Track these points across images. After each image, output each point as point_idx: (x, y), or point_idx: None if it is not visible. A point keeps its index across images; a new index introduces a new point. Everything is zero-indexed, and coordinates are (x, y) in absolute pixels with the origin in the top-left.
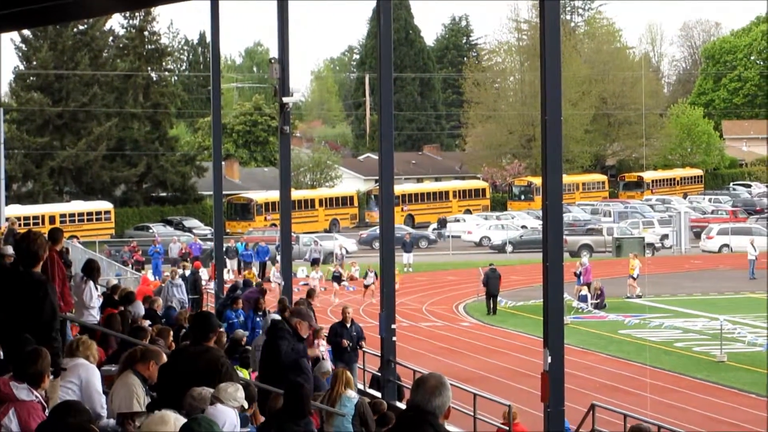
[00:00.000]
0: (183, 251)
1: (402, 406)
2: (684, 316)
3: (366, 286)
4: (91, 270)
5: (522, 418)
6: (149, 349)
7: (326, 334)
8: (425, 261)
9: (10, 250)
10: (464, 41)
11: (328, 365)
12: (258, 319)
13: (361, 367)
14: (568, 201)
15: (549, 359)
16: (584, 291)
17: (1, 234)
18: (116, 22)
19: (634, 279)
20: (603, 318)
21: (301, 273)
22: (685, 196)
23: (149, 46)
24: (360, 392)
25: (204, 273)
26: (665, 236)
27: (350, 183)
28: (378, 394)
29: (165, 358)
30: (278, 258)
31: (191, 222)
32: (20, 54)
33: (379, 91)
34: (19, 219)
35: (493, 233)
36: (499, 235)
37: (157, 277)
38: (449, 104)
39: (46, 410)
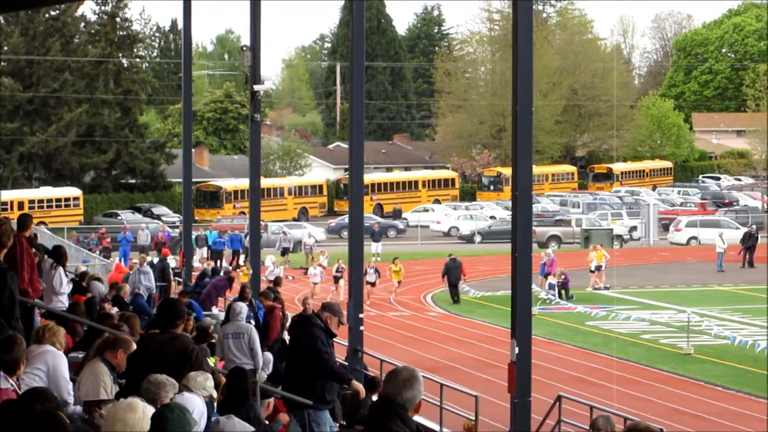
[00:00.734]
0: (158, 239)
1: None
2: (651, 308)
3: (370, 284)
4: (59, 256)
5: (488, 408)
6: (119, 337)
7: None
8: (393, 250)
9: None
10: (436, 31)
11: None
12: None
13: None
14: (538, 192)
15: (516, 350)
16: (552, 279)
17: None
18: (88, 8)
19: (592, 272)
20: (570, 309)
21: (268, 261)
22: (654, 188)
23: (121, 33)
24: None
25: (172, 260)
26: (634, 228)
27: (320, 172)
28: None
29: (134, 347)
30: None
31: (160, 209)
32: None
33: (351, 79)
34: None
35: (462, 223)
36: (468, 225)
37: (124, 265)
38: (420, 94)
39: None
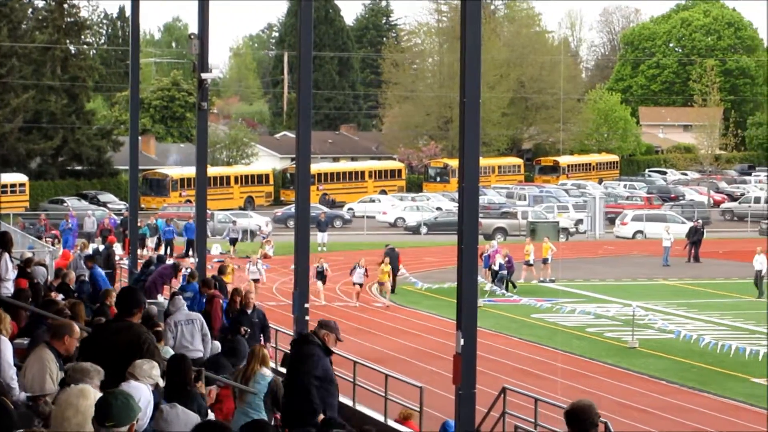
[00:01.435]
0: (103, 226)
1: None
2: (597, 302)
3: (359, 284)
4: (5, 242)
5: (433, 400)
6: (64, 323)
7: None
8: (340, 241)
9: None
10: (384, 21)
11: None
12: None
13: (274, 346)
14: (484, 184)
15: (461, 341)
16: (500, 259)
17: None
18: None
19: (530, 265)
20: (516, 302)
21: (215, 250)
22: (600, 181)
23: (68, 19)
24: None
25: (118, 248)
26: (580, 221)
27: (266, 161)
28: None
29: (78, 332)
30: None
31: (106, 196)
32: None
33: (298, 69)
34: None
35: (408, 214)
36: (414, 216)
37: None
38: (367, 84)
39: None
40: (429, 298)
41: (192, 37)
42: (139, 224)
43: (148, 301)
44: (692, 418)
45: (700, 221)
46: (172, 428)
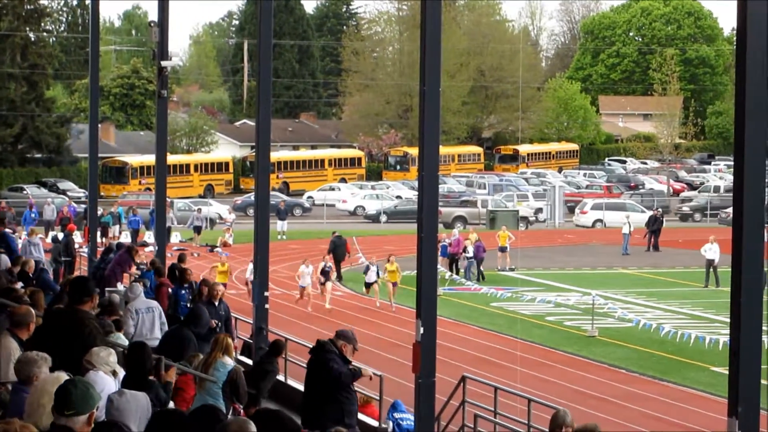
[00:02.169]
0: (63, 214)
1: None
2: (556, 291)
3: (368, 285)
4: None
5: (393, 388)
6: (27, 311)
7: None
8: (299, 229)
9: None
10: (344, 10)
11: None
12: (183, 291)
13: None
14: (444, 172)
15: (421, 330)
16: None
17: None
18: None
19: (504, 251)
20: (476, 290)
21: (175, 238)
22: (560, 170)
23: (28, 6)
24: None
25: (78, 236)
26: (539, 210)
27: (226, 149)
28: (249, 361)
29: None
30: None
31: (65, 184)
32: None
33: (258, 57)
34: None
35: (368, 203)
36: (374, 204)
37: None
38: (327, 72)
39: None
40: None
41: (152, 24)
42: (102, 213)
43: (108, 289)
44: (652, 407)
45: (659, 210)
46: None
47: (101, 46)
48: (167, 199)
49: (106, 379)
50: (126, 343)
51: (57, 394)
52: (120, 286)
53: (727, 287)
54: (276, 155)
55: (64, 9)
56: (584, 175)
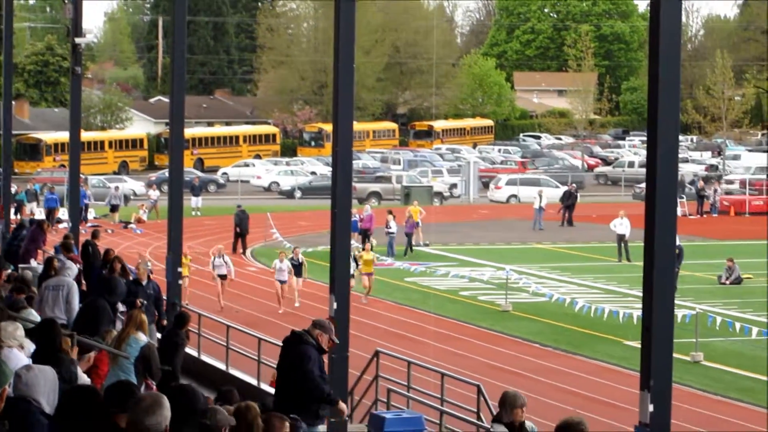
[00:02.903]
0: None
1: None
2: (470, 265)
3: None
4: None
5: None
6: None
7: None
8: (214, 205)
9: None
10: None
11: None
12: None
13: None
14: (358, 148)
15: (335, 305)
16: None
17: None
18: None
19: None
20: (390, 265)
21: (89, 215)
22: (474, 146)
23: None
24: None
25: None
26: (454, 185)
27: (141, 125)
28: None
29: None
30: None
31: None
32: None
33: (172, 34)
34: None
35: (283, 179)
36: (288, 180)
37: None
38: (242, 49)
39: None
40: None
41: (66, 1)
42: (16, 190)
43: (22, 266)
44: (566, 381)
45: (574, 185)
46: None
47: (15, 22)
48: (81, 175)
49: (18, 355)
50: (38, 319)
51: None
52: (33, 263)
53: (640, 261)
54: (190, 132)
55: None
56: (499, 150)
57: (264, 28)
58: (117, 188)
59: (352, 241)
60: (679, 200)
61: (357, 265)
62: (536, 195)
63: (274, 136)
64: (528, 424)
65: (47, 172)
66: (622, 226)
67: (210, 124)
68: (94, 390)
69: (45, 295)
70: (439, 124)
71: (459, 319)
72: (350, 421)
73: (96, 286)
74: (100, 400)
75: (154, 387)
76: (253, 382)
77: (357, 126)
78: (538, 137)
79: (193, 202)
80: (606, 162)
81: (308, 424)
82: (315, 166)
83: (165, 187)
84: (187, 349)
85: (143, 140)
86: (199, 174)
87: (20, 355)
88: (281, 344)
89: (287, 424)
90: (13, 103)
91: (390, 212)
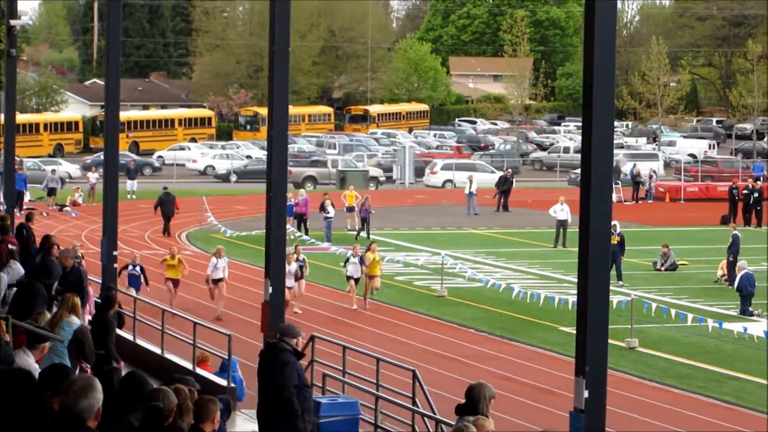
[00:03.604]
0: None
1: (122, 333)
2: (406, 250)
3: (349, 279)
4: None
5: (242, 347)
6: None
7: None
8: (149, 188)
9: None
10: None
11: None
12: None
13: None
14: (294, 132)
15: (270, 289)
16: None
17: None
18: None
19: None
20: (326, 250)
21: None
22: (410, 130)
23: None
24: None
25: None
26: (389, 169)
27: (76, 108)
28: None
29: None
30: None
31: None
32: None
33: (108, 16)
34: None
35: (218, 162)
36: (224, 164)
37: None
38: (178, 32)
39: None
40: (238, 246)
41: None
42: None
43: None
44: (501, 367)
45: (509, 170)
46: None
47: None
48: (17, 158)
49: None
50: None
51: None
52: None
53: (576, 248)
54: (125, 115)
55: None
56: (434, 135)
57: (199, 11)
58: (54, 171)
59: (288, 226)
60: (614, 186)
61: (363, 266)
62: (466, 180)
63: (209, 119)
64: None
65: None
66: (562, 212)
67: (145, 107)
68: (28, 374)
69: None
70: (374, 109)
71: (395, 304)
72: None
73: (31, 269)
74: (34, 384)
75: (89, 370)
76: (189, 366)
77: (292, 110)
78: (474, 122)
79: (128, 185)
80: (541, 147)
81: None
82: (250, 150)
83: (100, 171)
84: (123, 333)
85: (78, 123)
86: (135, 157)
87: None
88: (259, 356)
89: (218, 405)
90: None
91: (325, 196)
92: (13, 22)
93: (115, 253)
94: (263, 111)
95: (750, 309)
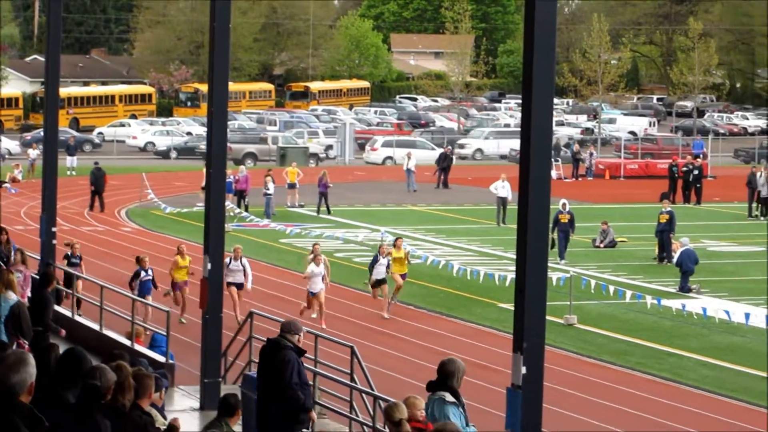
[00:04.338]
0: None
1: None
2: (345, 227)
3: (377, 283)
4: None
5: (180, 325)
6: None
7: None
8: (89, 165)
9: None
10: None
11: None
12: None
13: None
14: (234, 109)
15: (209, 266)
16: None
17: None
18: None
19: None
20: (265, 227)
21: None
22: (351, 107)
23: None
24: None
25: None
26: (330, 147)
27: (16, 84)
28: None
29: None
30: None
31: None
32: None
33: None
34: None
35: (158, 139)
36: (164, 140)
37: None
38: (119, 8)
39: None
40: (177, 223)
41: None
42: None
43: None
44: (440, 343)
45: (449, 148)
46: None
47: None
48: None
49: None
50: None
51: None
52: None
53: (515, 224)
54: (66, 91)
55: None
56: (375, 112)
57: None
58: None
59: (228, 202)
60: (554, 163)
61: (389, 265)
62: (405, 156)
63: (150, 96)
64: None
65: None
66: (503, 189)
67: (86, 84)
68: None
69: None
70: (315, 86)
71: (333, 281)
72: (224, 381)
73: None
74: None
75: (26, 346)
76: (127, 342)
77: (233, 86)
78: (415, 99)
79: (68, 161)
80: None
81: (291, 430)
82: (191, 127)
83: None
84: (62, 309)
85: (18, 99)
86: (75, 134)
87: None
88: (260, 353)
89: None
90: None
91: (269, 173)
92: None
93: (54, 229)
94: (204, 87)
95: (689, 285)
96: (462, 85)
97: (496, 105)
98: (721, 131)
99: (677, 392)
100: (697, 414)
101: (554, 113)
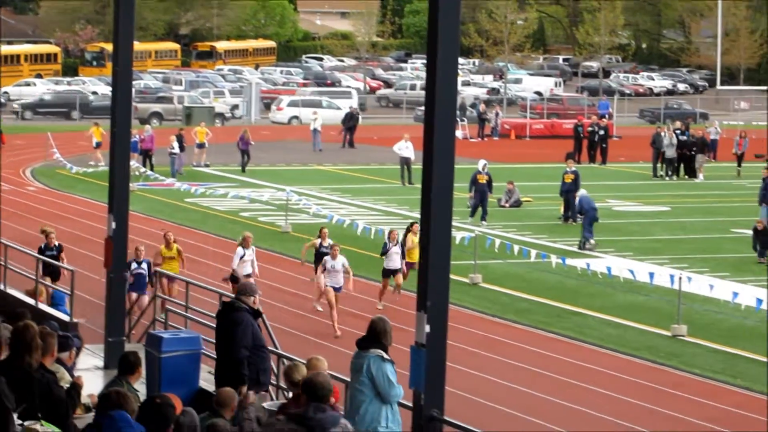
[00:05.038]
0: None
1: None
2: (251, 187)
3: (389, 272)
4: None
5: (86, 283)
6: None
7: None
8: None
9: None
10: None
11: None
12: None
13: None
14: (140, 68)
15: (113, 225)
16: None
17: None
18: None
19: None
20: (170, 186)
21: None
22: (257, 67)
23: None
24: None
25: None
26: (236, 107)
27: None
28: None
29: None
30: None
31: None
32: None
33: None
34: None
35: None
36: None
37: None
38: None
39: None
40: (83, 182)
41: None
42: None
43: None
44: (343, 303)
45: (355, 107)
46: None
47: None
48: None
49: None
50: None
51: None
52: None
53: (420, 184)
54: None
55: None
56: (281, 72)
57: None
58: None
59: (132, 161)
60: (460, 123)
61: (403, 254)
62: (312, 116)
63: (55, 55)
64: None
65: None
66: (407, 149)
67: None
68: None
69: None
70: (221, 45)
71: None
72: (128, 340)
73: None
74: None
75: None
76: (31, 301)
77: (139, 46)
78: (321, 59)
79: None
80: (388, 84)
81: (254, 391)
82: (97, 86)
83: None
84: None
85: None
86: None
87: None
88: (216, 316)
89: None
90: None
91: (180, 132)
92: None
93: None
94: (109, 47)
95: (589, 236)
96: (368, 45)
97: (402, 65)
98: (627, 92)
99: (581, 351)
100: (600, 372)
101: (460, 73)
